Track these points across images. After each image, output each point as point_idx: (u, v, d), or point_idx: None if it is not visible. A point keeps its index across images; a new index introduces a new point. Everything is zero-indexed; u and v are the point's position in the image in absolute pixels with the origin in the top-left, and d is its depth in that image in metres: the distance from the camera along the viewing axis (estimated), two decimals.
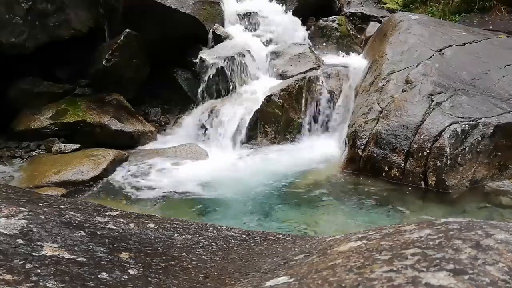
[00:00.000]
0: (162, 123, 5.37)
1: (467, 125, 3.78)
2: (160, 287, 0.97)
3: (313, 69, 5.36)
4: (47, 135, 4.53)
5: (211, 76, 5.15)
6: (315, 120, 5.11)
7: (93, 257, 1.04)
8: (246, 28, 5.98)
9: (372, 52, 5.50)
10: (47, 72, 4.89)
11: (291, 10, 6.44)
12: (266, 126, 4.91)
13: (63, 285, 0.88)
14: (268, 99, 4.92)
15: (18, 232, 1.05)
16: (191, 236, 1.32)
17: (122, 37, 4.97)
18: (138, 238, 1.22)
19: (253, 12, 6.12)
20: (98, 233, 1.19)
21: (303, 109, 5.06)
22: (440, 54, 4.75)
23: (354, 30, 6.89)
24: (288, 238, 1.41)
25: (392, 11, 7.41)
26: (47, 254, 0.99)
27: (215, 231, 1.40)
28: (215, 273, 1.07)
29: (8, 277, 0.85)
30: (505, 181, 3.84)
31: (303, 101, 5.07)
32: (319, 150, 4.71)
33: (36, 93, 4.69)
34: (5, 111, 4.54)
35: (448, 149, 3.68)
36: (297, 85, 5.05)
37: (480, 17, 6.80)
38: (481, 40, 5.13)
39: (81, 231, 1.16)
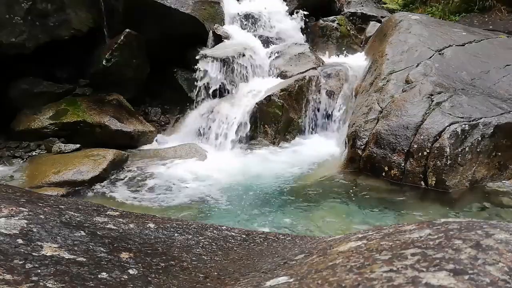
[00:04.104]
0: (162, 123, 5.37)
1: (467, 125, 3.78)
2: (160, 287, 0.97)
3: (313, 69, 5.37)
4: (47, 135, 4.53)
5: (211, 76, 5.15)
6: (315, 120, 5.12)
7: (93, 257, 1.04)
8: (246, 28, 5.98)
9: (372, 52, 5.50)
10: (47, 72, 4.89)
11: (292, 10, 6.45)
12: (266, 126, 4.91)
13: (63, 285, 0.87)
14: (268, 99, 4.92)
15: (18, 232, 1.05)
16: (191, 236, 1.32)
17: (122, 37, 4.97)
18: (138, 238, 1.22)
19: (253, 12, 6.12)
20: (98, 233, 1.19)
21: (303, 109, 5.07)
22: (440, 54, 4.75)
23: (354, 30, 6.89)
24: (288, 238, 1.41)
25: (392, 11, 7.42)
26: (47, 254, 0.99)
27: (215, 231, 1.40)
28: (215, 273, 1.07)
29: (8, 277, 0.85)
30: (505, 181, 3.84)
31: (303, 101, 5.07)
32: (319, 150, 4.72)
33: (36, 93, 4.69)
34: (5, 111, 4.54)
35: (448, 149, 3.68)
36: (297, 85, 5.05)
37: (480, 17, 6.80)
38: (481, 40, 5.13)
39: (81, 231, 1.16)
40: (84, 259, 1.01)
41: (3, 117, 4.54)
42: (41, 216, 1.18)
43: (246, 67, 5.26)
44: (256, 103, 4.89)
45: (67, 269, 0.94)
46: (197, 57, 5.21)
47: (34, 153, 4.41)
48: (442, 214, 3.39)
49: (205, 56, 5.19)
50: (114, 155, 4.20)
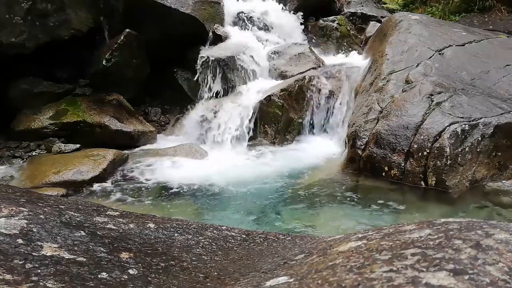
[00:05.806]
0: (162, 123, 5.37)
1: (467, 125, 3.78)
2: (160, 287, 0.97)
3: (313, 69, 5.37)
4: (47, 135, 4.53)
5: (211, 76, 5.15)
6: (315, 120, 5.11)
7: (93, 257, 1.04)
8: (246, 28, 5.98)
9: (372, 52, 5.50)
10: (47, 72, 4.89)
11: (292, 10, 6.45)
12: (266, 126, 4.91)
13: (63, 285, 0.87)
14: (268, 99, 4.92)
15: (18, 232, 1.05)
16: (191, 236, 1.32)
17: (122, 37, 4.97)
18: (138, 238, 1.22)
19: (253, 12, 6.12)
20: (98, 233, 1.19)
21: (303, 109, 5.07)
22: (440, 54, 4.75)
23: (354, 30, 6.89)
24: (288, 238, 1.41)
25: (392, 11, 7.42)
26: (47, 254, 0.99)
27: (215, 231, 1.40)
28: (215, 273, 1.07)
29: (8, 277, 0.85)
30: (505, 181, 3.84)
31: (303, 101, 5.07)
32: (319, 150, 4.72)
33: (36, 93, 4.69)
34: (5, 111, 4.54)
35: (448, 149, 3.68)
36: (297, 85, 5.05)
37: (480, 17, 6.80)
38: (481, 40, 5.13)
39: (81, 231, 1.16)
40: (84, 259, 1.01)
41: (3, 117, 4.54)
42: (41, 216, 1.18)
43: (246, 67, 5.26)
44: (256, 103, 4.89)
45: (67, 269, 0.94)
46: (197, 57, 5.21)
47: (34, 153, 4.41)
48: (442, 214, 3.39)
49: (205, 56, 5.20)
50: (114, 155, 4.20)
